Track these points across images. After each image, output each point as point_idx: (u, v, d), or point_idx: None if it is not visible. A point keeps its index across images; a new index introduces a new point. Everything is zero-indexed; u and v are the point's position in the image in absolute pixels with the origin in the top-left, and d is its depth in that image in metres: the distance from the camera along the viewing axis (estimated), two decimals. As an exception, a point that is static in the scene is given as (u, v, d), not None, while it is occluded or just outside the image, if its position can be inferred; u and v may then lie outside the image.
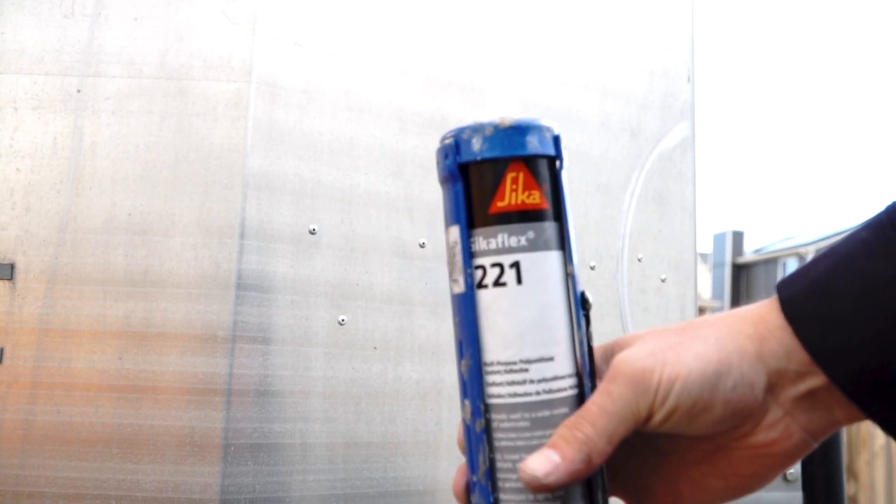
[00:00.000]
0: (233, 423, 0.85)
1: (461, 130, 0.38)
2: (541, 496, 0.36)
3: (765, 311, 0.39)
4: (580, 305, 0.39)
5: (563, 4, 1.14)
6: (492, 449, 0.37)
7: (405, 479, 0.95)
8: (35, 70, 0.90)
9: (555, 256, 0.38)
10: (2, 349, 0.86)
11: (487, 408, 0.37)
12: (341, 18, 0.96)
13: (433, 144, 1.01)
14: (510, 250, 0.37)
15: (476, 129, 0.38)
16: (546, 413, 0.37)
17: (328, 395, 0.91)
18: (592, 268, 1.12)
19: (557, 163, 0.39)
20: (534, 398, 0.37)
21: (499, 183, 0.37)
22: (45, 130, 0.89)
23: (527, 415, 0.37)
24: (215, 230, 0.87)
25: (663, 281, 1.19)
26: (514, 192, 0.37)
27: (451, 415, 0.99)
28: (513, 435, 0.37)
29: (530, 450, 0.37)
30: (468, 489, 0.39)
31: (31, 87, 0.90)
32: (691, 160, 1.24)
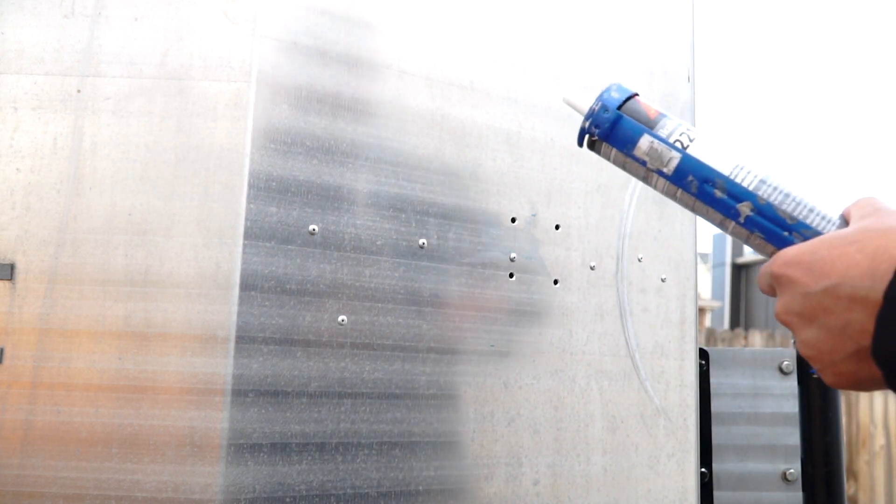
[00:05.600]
0: (233, 423, 0.85)
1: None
2: None
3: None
4: None
5: (563, 4, 1.14)
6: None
7: (405, 479, 0.95)
8: (35, 70, 0.90)
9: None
10: (2, 349, 0.86)
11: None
12: (341, 18, 0.96)
13: (433, 144, 1.02)
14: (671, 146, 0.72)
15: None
16: None
17: (328, 395, 0.91)
18: (592, 268, 1.12)
19: None
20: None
21: None
22: (45, 130, 0.89)
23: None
24: (215, 230, 0.87)
25: (663, 281, 1.19)
26: None
27: (450, 415, 0.99)
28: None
29: None
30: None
31: (31, 87, 0.90)
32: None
